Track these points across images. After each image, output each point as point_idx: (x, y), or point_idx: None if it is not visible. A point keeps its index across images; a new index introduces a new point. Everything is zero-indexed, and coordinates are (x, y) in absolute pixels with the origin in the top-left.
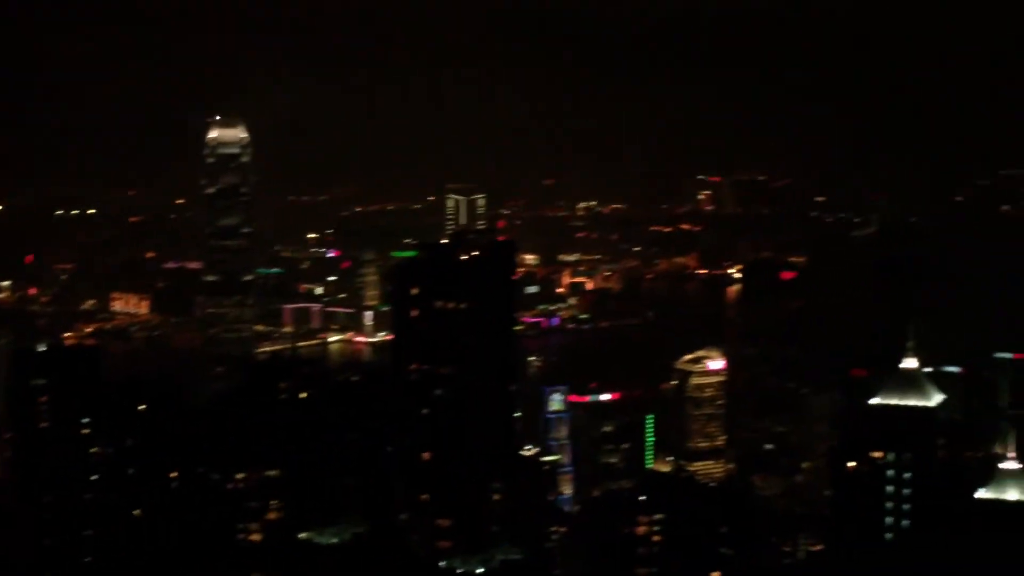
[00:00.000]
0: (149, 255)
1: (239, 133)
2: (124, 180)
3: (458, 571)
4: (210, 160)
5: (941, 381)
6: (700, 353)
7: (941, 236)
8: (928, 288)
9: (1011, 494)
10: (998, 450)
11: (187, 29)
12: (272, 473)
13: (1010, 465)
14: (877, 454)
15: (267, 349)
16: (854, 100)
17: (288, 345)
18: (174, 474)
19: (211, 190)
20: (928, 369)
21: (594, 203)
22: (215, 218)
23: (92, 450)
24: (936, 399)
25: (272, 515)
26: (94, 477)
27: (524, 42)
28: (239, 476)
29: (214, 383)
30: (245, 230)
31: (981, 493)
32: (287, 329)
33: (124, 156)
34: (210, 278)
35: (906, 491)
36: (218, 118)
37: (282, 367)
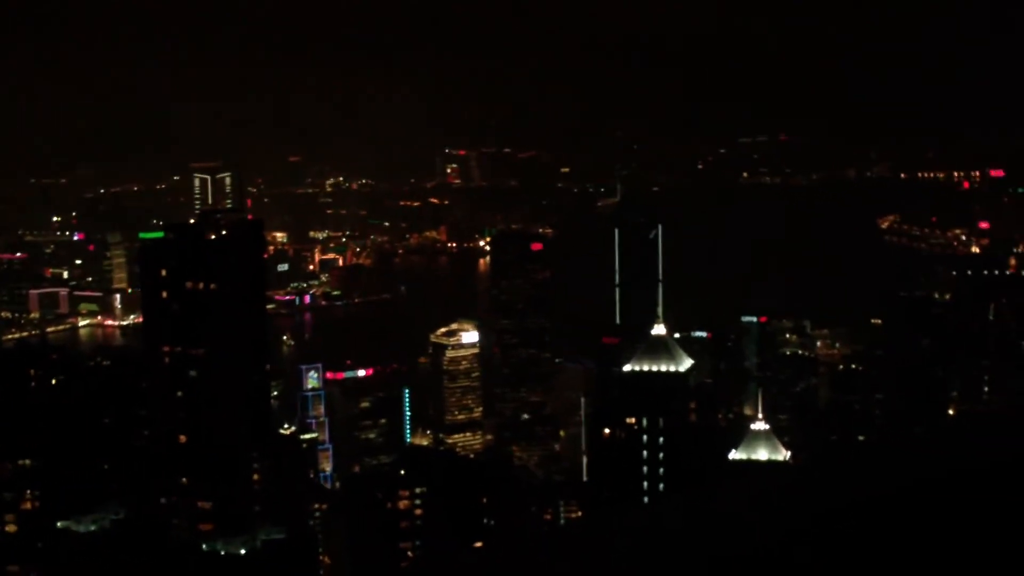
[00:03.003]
0: None
1: None
2: None
3: (220, 553)
4: None
5: (690, 346)
6: (453, 326)
7: (684, 204)
8: (673, 255)
9: (761, 453)
10: (747, 412)
11: None
12: (25, 462)
13: (759, 426)
14: (631, 420)
15: (14, 336)
16: (593, 73)
17: (36, 332)
18: None
19: None
20: (677, 335)
21: (341, 179)
22: None
23: None
24: (686, 364)
25: (27, 505)
26: None
27: (262, 20)
28: None
29: None
30: None
31: (733, 454)
32: (34, 315)
33: None
34: None
35: (660, 455)
36: None
37: (31, 354)
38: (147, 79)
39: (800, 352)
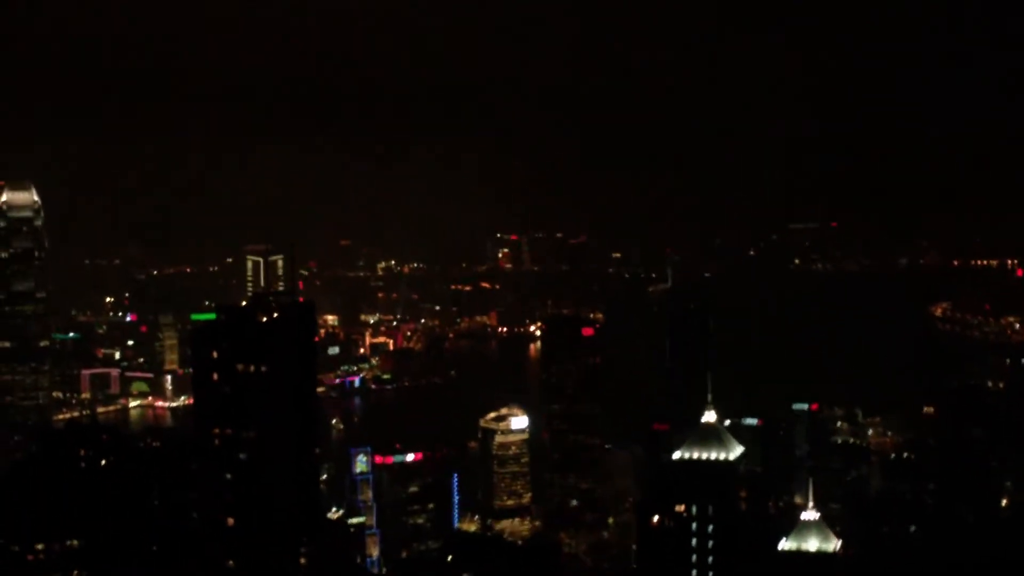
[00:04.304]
0: None
1: (31, 196)
2: None
3: None
4: (1, 224)
5: (740, 433)
6: (503, 411)
7: (735, 290)
8: (724, 342)
9: (812, 543)
10: (798, 500)
11: None
12: (73, 543)
13: (810, 515)
14: (680, 507)
15: (65, 416)
16: (649, 159)
17: (87, 411)
18: None
19: (4, 254)
20: (727, 422)
21: (393, 262)
22: (8, 283)
23: None
24: (736, 452)
25: None
26: None
27: (316, 106)
28: (39, 547)
29: (11, 453)
30: (39, 295)
31: (784, 543)
32: (85, 395)
33: None
34: (4, 344)
35: (710, 543)
36: (8, 181)
37: (81, 434)
38: (199, 162)
39: (852, 440)
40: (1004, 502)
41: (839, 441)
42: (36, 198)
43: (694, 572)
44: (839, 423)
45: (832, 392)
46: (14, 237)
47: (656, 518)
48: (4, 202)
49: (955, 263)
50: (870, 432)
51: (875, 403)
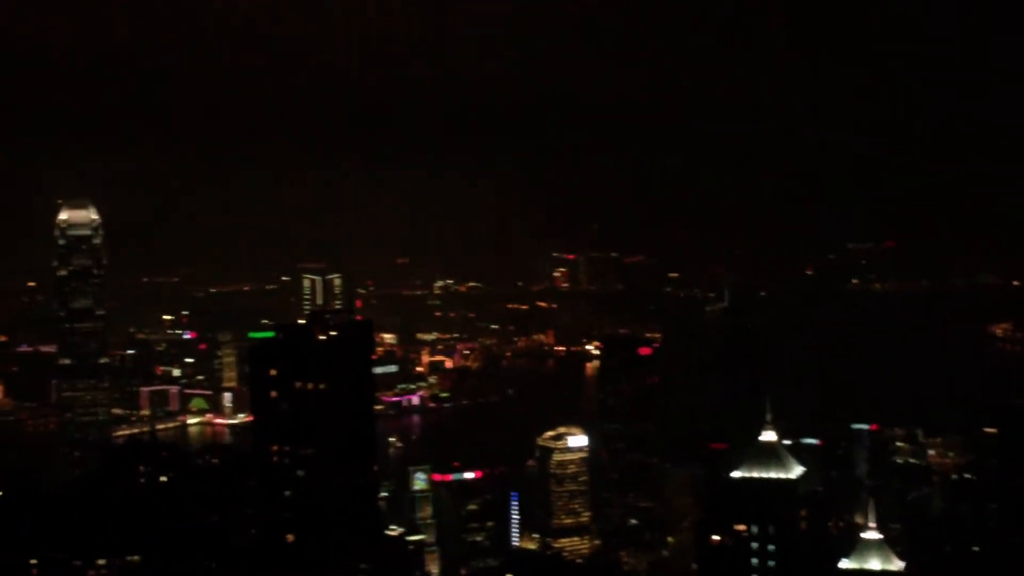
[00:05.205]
0: (1, 339)
1: (90, 215)
2: None
3: None
4: (61, 242)
5: (800, 453)
6: (561, 430)
7: (793, 310)
8: (782, 361)
9: (873, 563)
10: (859, 520)
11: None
12: (133, 558)
13: (871, 535)
14: (741, 527)
15: (125, 433)
16: (707, 178)
17: (146, 428)
18: (33, 561)
19: (63, 272)
20: (787, 441)
21: (450, 281)
22: (68, 301)
23: None
24: (796, 471)
25: None
26: None
27: (374, 126)
28: (100, 562)
29: (72, 468)
30: (99, 312)
31: (844, 563)
32: (145, 412)
33: None
34: (65, 361)
35: (771, 563)
36: (68, 199)
37: (141, 451)
38: (258, 182)
39: (912, 461)
40: None
41: (899, 461)
42: (95, 216)
43: None
44: (899, 443)
45: (892, 412)
46: (73, 255)
47: (716, 537)
48: (64, 220)
49: (1015, 283)
50: (931, 452)
51: (936, 423)
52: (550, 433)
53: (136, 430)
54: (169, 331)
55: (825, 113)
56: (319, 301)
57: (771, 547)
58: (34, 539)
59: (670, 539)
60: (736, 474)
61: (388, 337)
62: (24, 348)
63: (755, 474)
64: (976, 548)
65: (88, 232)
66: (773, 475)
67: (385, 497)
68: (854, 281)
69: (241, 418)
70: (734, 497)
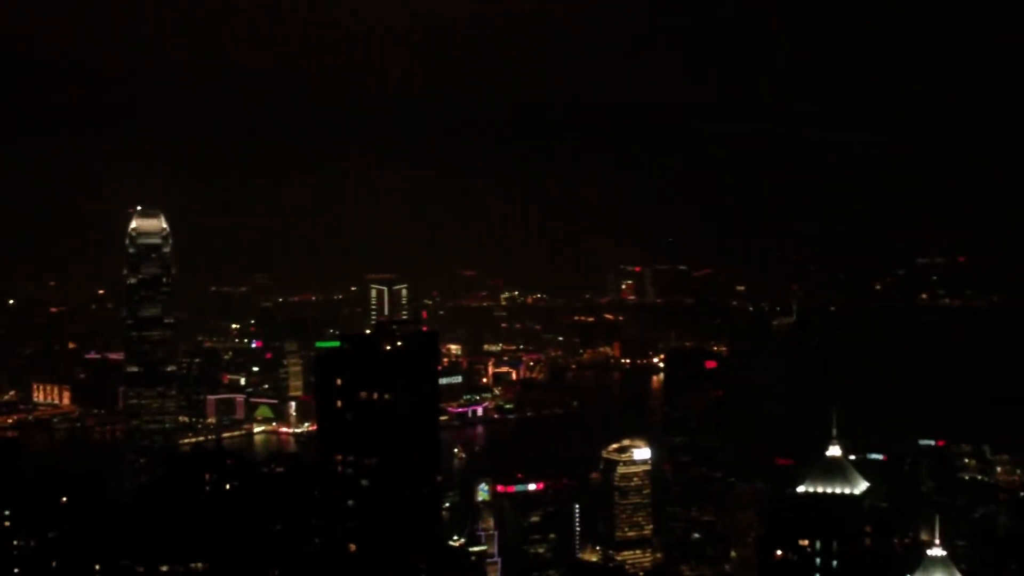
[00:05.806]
0: (71, 346)
1: (160, 223)
2: (43, 270)
3: None
4: (131, 251)
5: (865, 468)
6: (625, 442)
7: (861, 325)
8: (849, 376)
9: None
10: (924, 537)
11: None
12: (198, 566)
13: (936, 552)
14: (804, 542)
15: (191, 440)
16: (776, 193)
17: (212, 436)
18: (97, 567)
19: (132, 280)
20: (852, 457)
21: (516, 293)
22: (137, 309)
23: (14, 543)
24: (861, 487)
25: None
26: (16, 571)
27: (441, 138)
28: (164, 569)
29: (137, 475)
30: (167, 320)
31: None
32: (211, 420)
33: (42, 246)
34: (132, 369)
35: None
36: (139, 208)
37: (206, 458)
38: (326, 193)
39: (979, 477)
40: None
41: (966, 478)
42: (165, 225)
43: None
44: (966, 460)
45: (959, 428)
46: (143, 263)
47: (779, 552)
48: (134, 229)
49: None
50: (998, 469)
51: (1004, 440)
52: (615, 446)
53: (202, 438)
54: (236, 340)
55: (894, 131)
56: (386, 311)
57: (835, 563)
58: (99, 545)
59: (733, 553)
60: (801, 489)
61: (454, 348)
62: (92, 355)
63: (820, 489)
64: None
65: (158, 241)
66: (838, 490)
67: (448, 507)
68: (923, 296)
69: (306, 427)
70: (798, 512)
